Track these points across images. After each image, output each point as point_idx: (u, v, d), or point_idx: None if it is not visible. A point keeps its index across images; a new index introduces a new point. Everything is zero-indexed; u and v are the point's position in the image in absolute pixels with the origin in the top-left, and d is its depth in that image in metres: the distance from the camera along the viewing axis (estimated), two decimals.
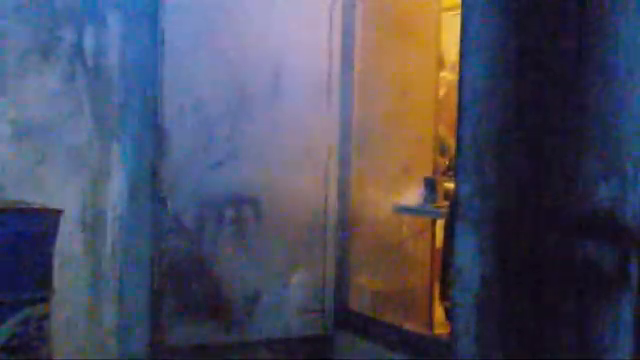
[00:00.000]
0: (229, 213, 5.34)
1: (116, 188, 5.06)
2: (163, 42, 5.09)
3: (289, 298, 5.50)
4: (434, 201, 5.37)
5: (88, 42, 4.98)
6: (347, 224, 5.62)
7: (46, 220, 4.24)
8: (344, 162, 5.62)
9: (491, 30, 3.97)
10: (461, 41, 4.10)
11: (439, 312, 5.67)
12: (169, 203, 5.17)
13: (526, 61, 3.78)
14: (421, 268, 5.66)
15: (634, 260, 3.28)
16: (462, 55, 4.12)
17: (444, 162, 5.82)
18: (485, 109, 4.03)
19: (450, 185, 5.03)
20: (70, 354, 4.87)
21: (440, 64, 5.92)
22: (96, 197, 5.02)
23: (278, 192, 5.42)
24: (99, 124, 5.01)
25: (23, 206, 4.35)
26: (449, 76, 5.99)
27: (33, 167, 4.85)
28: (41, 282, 4.17)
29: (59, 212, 4.30)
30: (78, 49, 4.95)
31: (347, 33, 5.60)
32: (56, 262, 4.29)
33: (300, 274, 5.52)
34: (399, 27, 5.63)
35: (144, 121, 5.10)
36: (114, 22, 5.02)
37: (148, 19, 5.08)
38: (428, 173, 5.60)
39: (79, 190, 4.97)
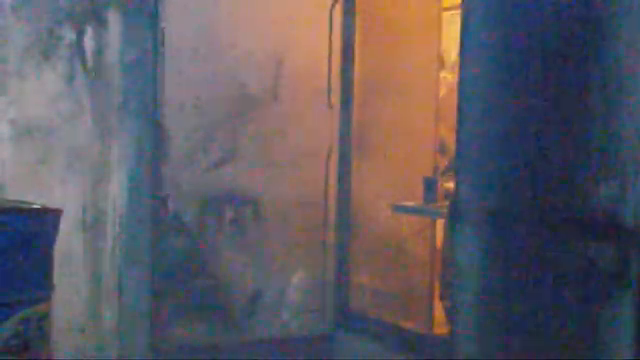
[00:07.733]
0: (229, 213, 5.34)
1: (116, 188, 5.05)
2: (163, 42, 5.09)
3: (289, 298, 5.50)
4: (434, 201, 5.37)
5: (88, 42, 4.97)
6: (347, 224, 5.62)
7: (46, 220, 4.23)
8: (344, 162, 5.62)
9: (491, 30, 3.97)
10: (461, 41, 4.10)
11: (439, 312, 5.67)
12: (169, 203, 5.17)
13: (526, 61, 3.78)
14: (421, 267, 5.66)
15: (634, 260, 3.29)
16: (462, 55, 4.12)
17: (444, 162, 5.81)
18: (485, 109, 4.03)
19: (450, 185, 5.03)
20: (70, 354, 4.87)
21: (440, 64, 5.91)
22: (96, 197, 5.01)
23: (278, 192, 5.42)
24: (99, 124, 5.00)
25: (23, 206, 4.34)
26: (449, 76, 5.98)
27: (33, 167, 4.85)
28: (41, 282, 4.16)
29: (59, 212, 4.29)
30: (78, 49, 4.95)
31: (347, 33, 5.59)
32: (56, 262, 4.28)
33: (300, 274, 5.52)
34: (399, 27, 5.62)
35: (144, 121, 5.10)
36: (114, 22, 5.01)
37: (148, 19, 5.08)
38: (428, 173, 5.60)
39: (79, 190, 4.96)
